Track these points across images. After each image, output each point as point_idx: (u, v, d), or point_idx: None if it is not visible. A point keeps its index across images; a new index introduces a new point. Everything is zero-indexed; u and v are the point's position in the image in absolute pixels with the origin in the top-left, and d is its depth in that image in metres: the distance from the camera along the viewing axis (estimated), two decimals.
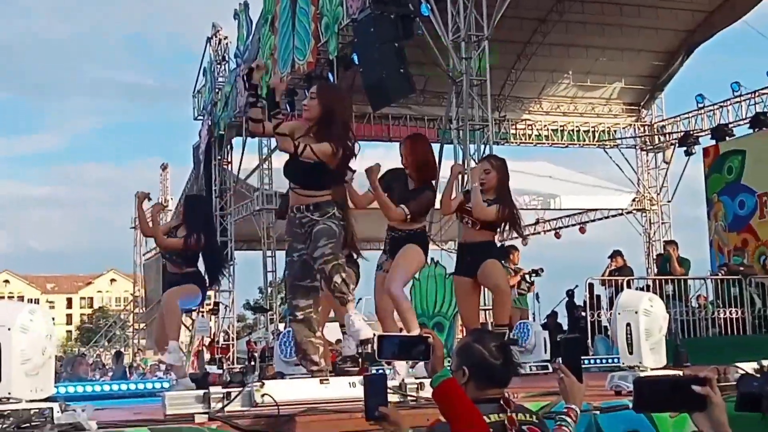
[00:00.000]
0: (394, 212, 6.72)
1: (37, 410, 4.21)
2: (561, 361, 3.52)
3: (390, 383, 4.93)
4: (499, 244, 7.75)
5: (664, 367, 5.28)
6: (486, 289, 7.92)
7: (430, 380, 3.49)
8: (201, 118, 23.45)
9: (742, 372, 5.06)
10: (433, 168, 7.14)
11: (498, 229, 7.37)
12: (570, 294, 17.10)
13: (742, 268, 14.97)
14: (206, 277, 7.92)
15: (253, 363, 20.86)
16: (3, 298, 44.84)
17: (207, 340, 23.05)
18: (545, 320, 16.57)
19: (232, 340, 23.76)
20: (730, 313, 13.93)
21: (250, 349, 25.17)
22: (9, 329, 4.16)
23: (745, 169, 18.39)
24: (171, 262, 7.83)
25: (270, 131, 5.84)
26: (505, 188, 7.32)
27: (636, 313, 5.21)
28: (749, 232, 18.39)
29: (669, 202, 23.85)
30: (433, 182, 7.05)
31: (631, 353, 5.23)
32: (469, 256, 7.37)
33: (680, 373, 5.17)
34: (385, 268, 6.90)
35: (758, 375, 4.30)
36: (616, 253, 15.11)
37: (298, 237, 5.74)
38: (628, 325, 5.24)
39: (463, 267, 7.44)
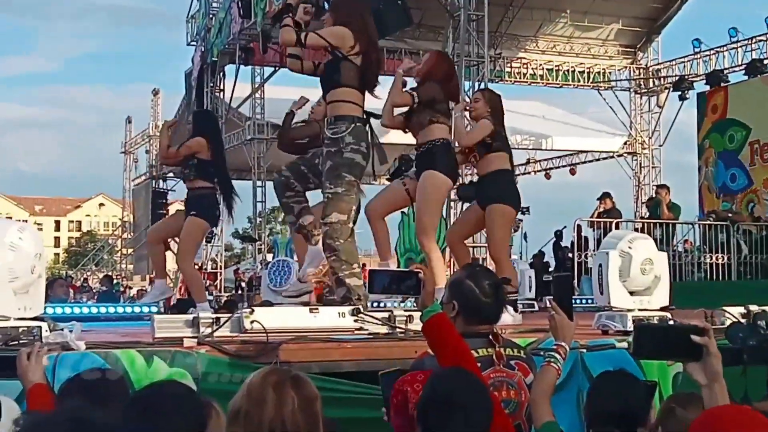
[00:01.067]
0: (401, 96, 6.42)
1: (25, 328, 4.22)
2: (552, 299, 3.54)
3: (376, 315, 4.96)
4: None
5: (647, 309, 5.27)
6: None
7: (419, 313, 3.52)
8: (194, 43, 23.17)
9: (730, 315, 5.11)
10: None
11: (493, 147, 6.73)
12: (558, 234, 17.17)
13: (730, 215, 15.05)
14: (219, 198, 7.82)
15: (240, 292, 20.99)
16: None
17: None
18: (532, 259, 16.67)
19: (220, 268, 23.82)
20: (717, 258, 14.05)
21: (237, 278, 25.30)
22: None
23: (745, 146, 18.40)
24: (185, 178, 7.81)
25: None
26: (496, 118, 6.71)
27: (607, 254, 5.22)
28: None
29: (660, 146, 23.85)
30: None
31: (601, 293, 5.26)
32: (480, 189, 6.91)
33: (667, 315, 5.21)
34: (405, 184, 6.70)
35: (745, 323, 4.32)
36: (605, 195, 15.13)
37: None
38: (600, 265, 5.26)
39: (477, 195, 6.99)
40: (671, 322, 4.44)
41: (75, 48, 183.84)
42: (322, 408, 2.63)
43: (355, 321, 4.75)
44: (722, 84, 19.79)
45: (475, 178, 7.29)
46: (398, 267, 6.65)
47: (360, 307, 4.95)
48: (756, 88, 18.60)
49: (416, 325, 4.43)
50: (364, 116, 5.88)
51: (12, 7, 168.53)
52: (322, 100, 6.40)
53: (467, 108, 6.89)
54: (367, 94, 5.91)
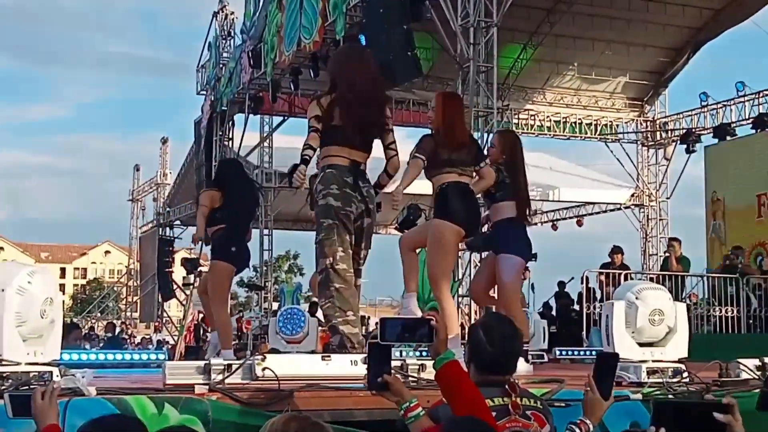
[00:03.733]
0: (415, 168, 6.31)
1: (36, 373, 4.20)
2: (591, 374, 3.50)
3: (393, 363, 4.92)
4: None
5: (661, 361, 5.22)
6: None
7: (432, 362, 3.49)
8: (204, 92, 23.36)
9: (745, 368, 5.07)
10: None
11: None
12: (561, 285, 17.16)
13: (740, 266, 15.02)
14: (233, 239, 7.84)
15: (244, 341, 20.87)
16: None
17: (200, 316, 23.04)
18: (540, 310, 16.58)
19: None
20: (726, 311, 13.97)
21: (240, 326, 25.17)
22: (3, 290, 4.14)
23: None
24: (211, 233, 7.88)
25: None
26: (511, 163, 6.71)
27: (613, 304, 5.21)
28: None
29: (668, 198, 23.85)
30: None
31: (608, 344, 5.23)
32: (493, 233, 6.92)
33: (682, 366, 5.15)
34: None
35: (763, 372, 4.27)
36: (618, 250, 15.01)
37: None
38: (607, 316, 5.24)
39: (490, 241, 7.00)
40: (690, 397, 4.32)
41: (89, 95, 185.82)
42: None
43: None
44: (728, 138, 19.88)
45: None
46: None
47: None
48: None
49: (429, 374, 4.39)
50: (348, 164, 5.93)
51: (35, 54, 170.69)
52: None
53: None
54: None
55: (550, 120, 23.09)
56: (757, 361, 5.26)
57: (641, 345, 5.20)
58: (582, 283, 14.31)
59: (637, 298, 5.18)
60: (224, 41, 22.57)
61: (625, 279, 13.34)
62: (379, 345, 3.46)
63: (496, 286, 6.95)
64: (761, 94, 19.88)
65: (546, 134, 23.34)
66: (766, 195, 18.20)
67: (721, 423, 2.41)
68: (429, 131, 6.72)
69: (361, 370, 4.70)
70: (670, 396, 4.70)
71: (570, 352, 10.27)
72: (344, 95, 5.91)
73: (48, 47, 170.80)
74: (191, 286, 24.60)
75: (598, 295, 14.26)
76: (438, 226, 6.36)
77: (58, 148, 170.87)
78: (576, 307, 15.83)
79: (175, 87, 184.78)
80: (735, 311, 13.98)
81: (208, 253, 8.27)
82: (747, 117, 20.09)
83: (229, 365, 4.44)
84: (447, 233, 6.35)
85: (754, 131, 19.40)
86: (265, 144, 22.30)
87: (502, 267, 6.66)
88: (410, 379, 4.69)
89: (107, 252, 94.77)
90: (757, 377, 5.09)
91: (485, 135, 14.19)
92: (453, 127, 6.48)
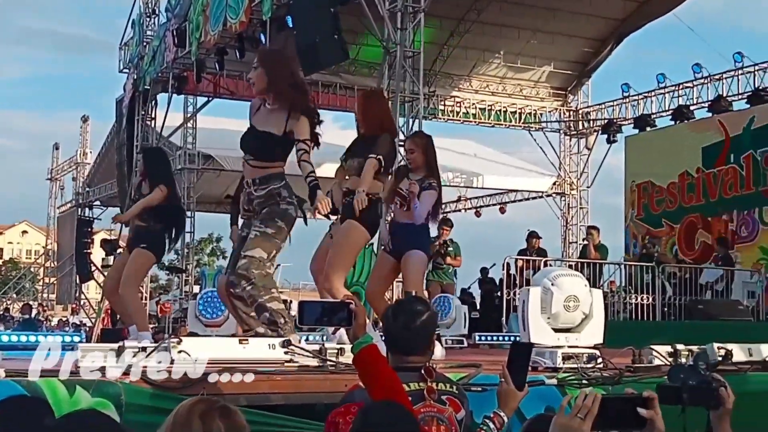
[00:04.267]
0: (371, 171, 6.36)
1: None
2: (505, 365, 3.48)
3: (307, 347, 4.90)
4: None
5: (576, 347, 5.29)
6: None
7: (350, 346, 3.48)
8: (126, 71, 22.90)
9: (657, 354, 5.17)
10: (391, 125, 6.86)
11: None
12: (484, 272, 17.34)
13: (656, 254, 15.36)
14: (166, 235, 7.91)
15: (163, 324, 20.61)
16: None
17: None
18: (460, 296, 16.72)
19: (145, 299, 23.40)
20: (642, 299, 14.27)
21: (159, 310, 24.86)
22: None
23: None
24: (139, 218, 7.85)
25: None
26: (432, 166, 6.86)
27: (528, 290, 5.27)
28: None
29: (588, 187, 24.24)
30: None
31: (524, 329, 5.29)
32: (398, 236, 6.96)
33: (596, 352, 5.24)
34: (333, 233, 6.77)
35: (683, 364, 4.34)
36: (535, 235, 15.23)
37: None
38: (523, 302, 5.29)
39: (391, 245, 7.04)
40: (611, 391, 4.35)
41: (8, 72, 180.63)
42: None
43: (285, 353, 4.68)
44: (648, 129, 20.30)
45: None
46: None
47: (290, 338, 4.89)
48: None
49: (347, 358, 4.38)
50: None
51: None
52: None
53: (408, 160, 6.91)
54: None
55: (476, 107, 23.25)
56: (669, 348, 5.37)
57: (557, 331, 5.25)
58: (503, 269, 14.46)
59: (552, 284, 5.22)
60: (148, 19, 22.12)
61: (544, 266, 13.53)
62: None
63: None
64: (681, 86, 20.31)
65: (471, 121, 23.51)
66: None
67: (643, 417, 2.42)
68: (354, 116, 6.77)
69: (279, 354, 4.68)
70: (584, 381, 4.77)
71: (489, 338, 10.37)
72: (309, 109, 5.92)
73: None
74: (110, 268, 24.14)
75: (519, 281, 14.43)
76: (355, 227, 6.47)
77: None
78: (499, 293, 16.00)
79: (98, 65, 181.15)
80: (650, 299, 14.29)
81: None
82: (667, 108, 20.51)
83: (144, 348, 4.36)
84: (361, 236, 6.55)
85: (673, 122, 19.83)
86: (189, 124, 21.98)
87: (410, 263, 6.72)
88: (328, 363, 4.68)
89: (24, 232, 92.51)
90: (668, 363, 5.20)
91: (411, 120, 14.23)
92: None
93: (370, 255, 12.47)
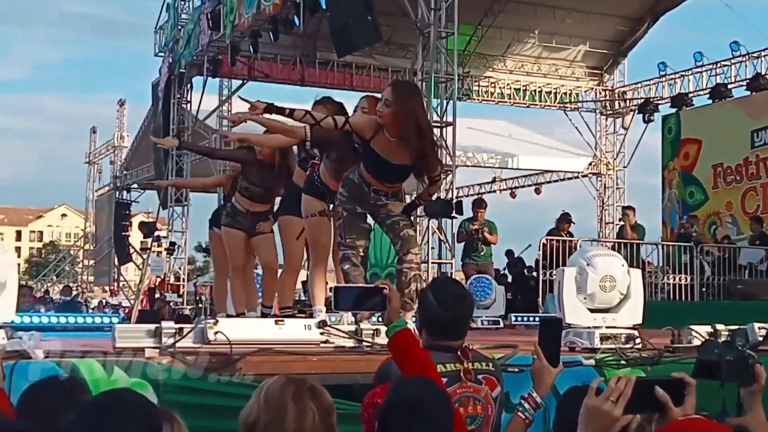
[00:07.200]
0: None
1: None
2: (537, 342, 3.42)
3: (343, 328, 4.91)
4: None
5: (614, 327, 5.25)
6: None
7: (385, 330, 3.48)
8: (162, 54, 23.00)
9: (697, 334, 5.12)
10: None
11: None
12: (510, 254, 17.27)
13: (694, 234, 15.20)
14: None
15: (201, 305, 20.78)
16: None
17: (158, 280, 22.89)
18: (495, 277, 16.67)
19: (183, 281, 23.60)
20: (680, 279, 14.15)
21: (197, 291, 25.05)
22: None
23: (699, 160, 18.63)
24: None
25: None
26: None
27: (563, 271, 5.23)
28: None
29: (625, 167, 24.02)
30: None
31: (560, 310, 5.25)
32: None
33: (634, 332, 5.19)
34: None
35: (717, 340, 4.30)
36: (565, 218, 15.05)
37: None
38: (559, 282, 5.26)
39: None
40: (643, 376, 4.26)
41: (46, 56, 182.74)
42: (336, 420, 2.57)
43: (322, 334, 4.69)
44: (685, 108, 19.98)
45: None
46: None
47: (326, 319, 4.91)
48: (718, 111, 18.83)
49: (383, 339, 4.38)
50: None
51: None
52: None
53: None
54: None
55: (510, 88, 23.08)
56: (709, 328, 5.31)
57: (593, 311, 5.21)
58: (539, 250, 14.39)
59: (588, 264, 5.18)
60: (183, 2, 22.18)
61: (580, 246, 13.44)
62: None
63: None
64: (719, 65, 20.00)
65: (506, 102, 23.34)
66: (721, 165, 18.38)
67: (681, 397, 2.34)
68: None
69: (315, 335, 4.68)
70: (623, 362, 4.73)
71: (525, 318, 10.35)
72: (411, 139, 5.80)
73: (3, 5, 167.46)
74: (148, 250, 24.46)
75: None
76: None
77: (11, 108, 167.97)
78: (534, 274, 15.92)
79: (133, 48, 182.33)
80: (689, 279, 14.16)
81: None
82: (705, 87, 20.23)
83: (181, 329, 4.39)
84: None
85: (711, 101, 19.55)
86: (224, 107, 22.05)
87: None
88: (364, 344, 4.68)
89: (64, 215, 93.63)
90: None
91: (445, 102, 14.16)
92: None
93: (380, 235, 12.39)
